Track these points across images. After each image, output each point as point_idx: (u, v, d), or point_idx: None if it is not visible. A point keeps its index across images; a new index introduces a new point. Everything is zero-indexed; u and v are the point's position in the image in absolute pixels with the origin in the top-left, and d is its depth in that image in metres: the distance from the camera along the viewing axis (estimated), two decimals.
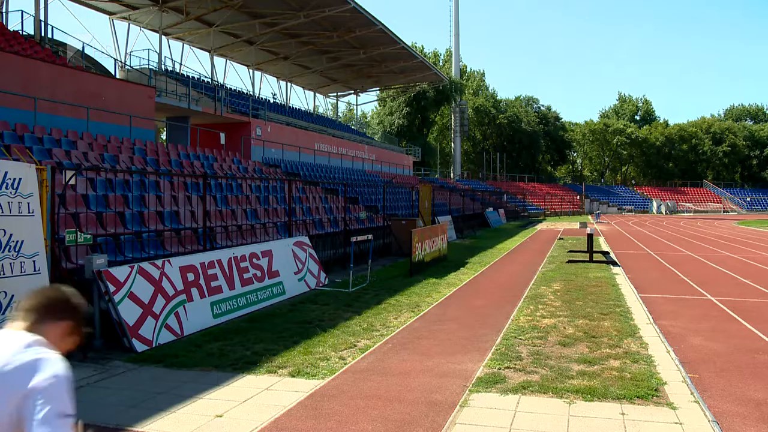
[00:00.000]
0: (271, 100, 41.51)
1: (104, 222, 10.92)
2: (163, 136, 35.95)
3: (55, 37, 23.59)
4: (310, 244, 13.54)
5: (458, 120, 71.68)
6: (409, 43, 43.93)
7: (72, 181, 10.50)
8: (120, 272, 7.90)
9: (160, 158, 16.68)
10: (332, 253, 16.13)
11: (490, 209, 43.60)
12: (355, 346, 7.91)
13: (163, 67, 29.69)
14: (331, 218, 19.61)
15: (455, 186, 51.46)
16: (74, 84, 17.35)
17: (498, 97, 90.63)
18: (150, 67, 27.68)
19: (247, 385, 6.27)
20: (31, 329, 2.05)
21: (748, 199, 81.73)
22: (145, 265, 8.38)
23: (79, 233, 8.45)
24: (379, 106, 73.24)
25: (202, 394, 5.95)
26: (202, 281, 9.36)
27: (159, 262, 8.67)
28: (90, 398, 5.89)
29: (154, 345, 7.79)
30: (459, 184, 58.84)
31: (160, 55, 29.50)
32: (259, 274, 11.03)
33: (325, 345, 7.87)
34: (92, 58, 24.51)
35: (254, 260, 11.08)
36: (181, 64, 34.78)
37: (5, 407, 1.83)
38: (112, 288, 7.64)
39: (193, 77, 32.55)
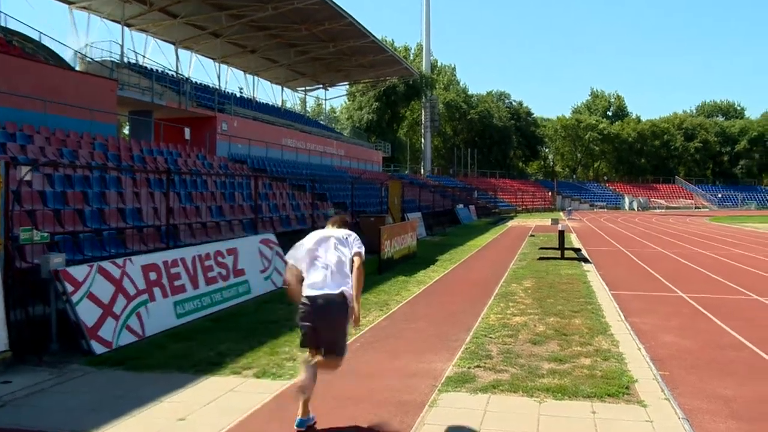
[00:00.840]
0: (238, 94, 41.21)
1: (62, 219, 10.70)
2: (126, 131, 35.41)
3: (8, 26, 23.06)
4: (276, 241, 13.41)
5: (429, 115, 71.92)
6: (379, 37, 43.97)
7: (28, 177, 10.27)
8: (78, 272, 7.73)
9: (121, 153, 16.43)
10: None
11: (461, 206, 43.75)
12: None
13: (125, 59, 29.22)
14: (298, 215, 19.54)
15: (425, 182, 51.63)
16: (31, 76, 16.97)
17: (469, 92, 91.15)
18: (112, 59, 27.22)
19: (210, 387, 6.18)
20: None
21: (720, 195, 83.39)
22: (106, 264, 8.22)
23: (34, 231, 8.23)
24: (349, 100, 73.21)
25: (164, 397, 5.85)
26: (165, 280, 9.21)
27: (120, 261, 8.51)
28: (47, 403, 5.75)
29: (114, 347, 7.64)
30: (429, 180, 59.07)
31: (122, 47, 29.03)
32: (224, 272, 10.90)
33: (292, 345, 7.78)
34: (50, 49, 23.99)
35: (219, 258, 10.94)
36: (144, 56, 34.27)
37: (349, 247, 5.10)
38: (69, 288, 7.47)
39: (157, 70, 32.13)
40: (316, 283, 4.95)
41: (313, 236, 5.28)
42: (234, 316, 9.79)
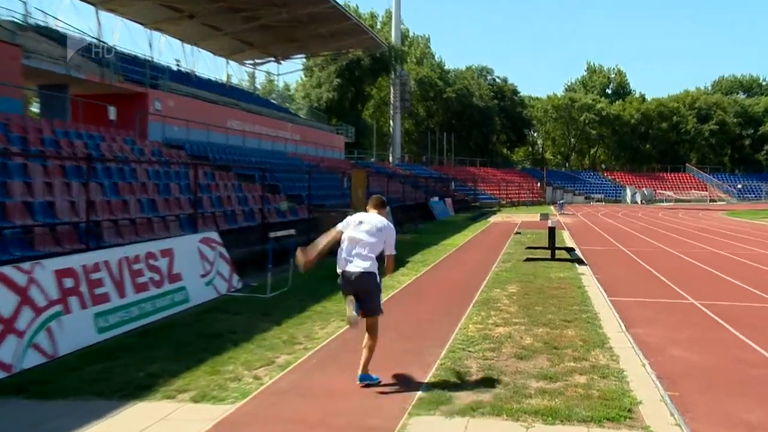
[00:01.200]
0: (174, 68, 40.68)
1: None
2: (35, 109, 34.68)
3: None
4: (220, 241, 13.31)
5: (398, 93, 71.95)
6: (342, 2, 43.76)
7: None
8: None
9: (29, 136, 16.11)
10: (247, 252, 15.89)
11: (435, 199, 43.98)
12: (273, 362, 7.80)
13: (31, 20, 28.51)
14: (245, 210, 19.37)
15: (394, 171, 51.75)
16: None
17: (446, 67, 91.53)
18: (13, 19, 26.44)
19: (137, 415, 6.06)
20: (376, 212, 7.30)
21: (739, 186, 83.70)
22: (7, 270, 7.97)
23: None
24: (305, 76, 72.81)
25: (79, 430, 5.70)
26: (83, 288, 9.02)
27: (26, 266, 8.28)
28: None
29: (16, 370, 7.40)
30: (399, 169, 59.23)
31: (26, 4, 28.26)
32: (156, 278, 10.75)
33: (237, 362, 7.73)
34: None
35: (151, 261, 10.78)
36: (56, 18, 33.54)
37: (382, 234, 7.04)
38: None
39: (74, 36, 31.39)
40: (350, 261, 7.01)
41: (353, 219, 7.27)
42: (168, 329, 9.64)
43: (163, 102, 29.12)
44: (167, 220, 15.22)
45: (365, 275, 6.93)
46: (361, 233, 7.06)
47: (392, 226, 7.29)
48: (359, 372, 6.93)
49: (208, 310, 11.02)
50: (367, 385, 6.80)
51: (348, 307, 6.91)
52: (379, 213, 7.35)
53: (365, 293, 6.97)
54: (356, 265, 6.94)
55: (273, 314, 10.59)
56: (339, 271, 7.11)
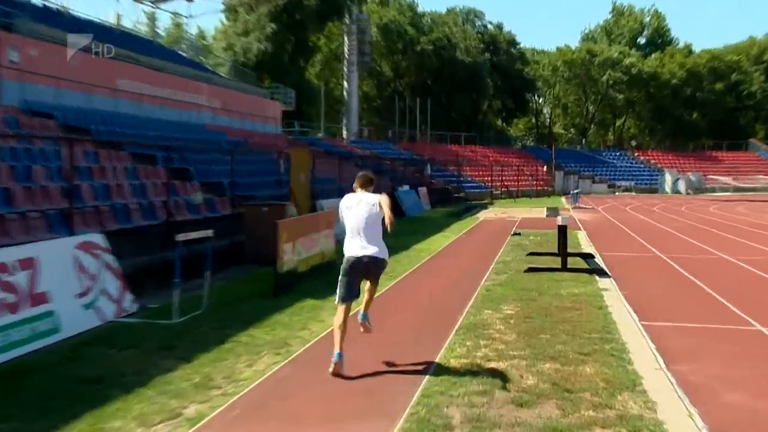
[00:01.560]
0: (38, 2, 40.06)
1: None
2: None
3: None
4: (106, 246, 13.20)
5: (355, 45, 72.06)
6: None
7: None
8: None
9: None
10: (145, 261, 15.79)
11: (405, 188, 44.22)
12: (179, 414, 7.69)
13: None
14: (143, 203, 19.25)
15: (350, 151, 51.87)
16: None
17: (419, 10, 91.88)
18: None
19: None
20: (365, 190, 9.98)
21: None
22: None
23: None
24: (227, 20, 72.65)
25: None
26: None
27: None
28: None
29: None
30: (356, 147, 59.42)
31: None
32: (11, 299, 10.52)
33: (128, 416, 7.61)
34: None
35: (3, 276, 10.57)
36: None
37: (376, 208, 9.53)
38: None
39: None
40: (358, 245, 9.33)
41: (347, 200, 9.69)
42: (29, 371, 9.47)
43: (22, 51, 28.56)
44: (29, 218, 15.09)
45: (379, 260, 9.44)
46: (361, 214, 9.38)
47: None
48: (361, 311, 10.00)
49: (88, 343, 10.87)
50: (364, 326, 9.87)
51: (340, 289, 9.38)
52: (367, 192, 9.84)
53: (376, 275, 9.76)
54: (371, 249, 9.30)
55: (180, 347, 10.52)
56: (349, 255, 9.38)
